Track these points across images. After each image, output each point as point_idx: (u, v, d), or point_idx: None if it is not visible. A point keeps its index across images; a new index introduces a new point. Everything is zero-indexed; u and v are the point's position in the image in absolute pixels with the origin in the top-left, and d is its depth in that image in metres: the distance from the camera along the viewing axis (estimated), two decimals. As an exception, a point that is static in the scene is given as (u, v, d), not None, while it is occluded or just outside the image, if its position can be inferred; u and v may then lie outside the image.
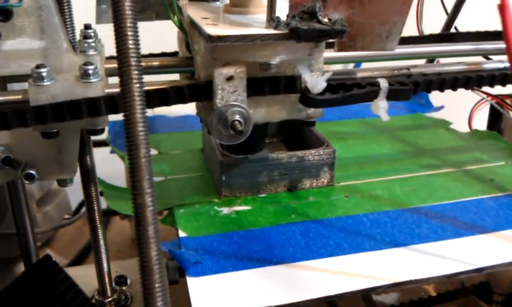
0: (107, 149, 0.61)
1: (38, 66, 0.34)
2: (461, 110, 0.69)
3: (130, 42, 0.28)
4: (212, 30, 0.35)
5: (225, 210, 0.47)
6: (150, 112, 0.69)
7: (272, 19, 0.35)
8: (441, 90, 0.41)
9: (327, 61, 0.41)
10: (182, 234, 0.44)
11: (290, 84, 0.39)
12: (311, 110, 0.41)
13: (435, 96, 0.78)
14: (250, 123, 0.37)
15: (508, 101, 0.65)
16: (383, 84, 0.39)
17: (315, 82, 0.38)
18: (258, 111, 0.40)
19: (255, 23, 0.37)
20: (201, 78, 0.38)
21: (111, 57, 0.39)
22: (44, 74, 0.34)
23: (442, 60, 0.49)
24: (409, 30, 0.53)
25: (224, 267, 0.40)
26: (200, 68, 0.38)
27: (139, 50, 0.28)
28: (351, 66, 0.59)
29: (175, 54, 0.47)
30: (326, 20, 0.36)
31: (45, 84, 0.34)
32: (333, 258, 0.41)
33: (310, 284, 0.38)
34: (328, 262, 0.40)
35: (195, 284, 0.38)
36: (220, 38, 0.34)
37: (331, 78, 0.39)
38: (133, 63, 0.28)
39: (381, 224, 0.45)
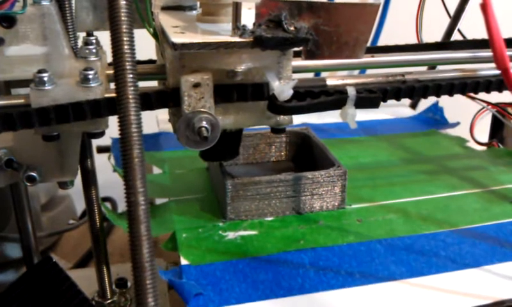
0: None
1: (40, 71, 0.35)
2: (465, 120, 0.69)
3: (126, 47, 0.29)
4: (178, 38, 0.35)
5: (230, 235, 0.45)
6: (155, 128, 0.69)
7: (237, 27, 0.35)
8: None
9: (326, 68, 0.42)
10: (183, 261, 0.42)
11: (257, 92, 0.39)
12: (280, 117, 0.41)
13: (447, 110, 0.78)
14: (218, 129, 0.37)
15: (510, 110, 0.65)
16: (351, 91, 0.39)
17: (282, 89, 0.38)
18: (227, 118, 0.40)
19: (223, 31, 0.37)
20: (170, 85, 0.38)
21: (111, 64, 0.40)
22: (45, 79, 0.35)
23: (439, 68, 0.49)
24: (409, 38, 0.53)
25: (227, 299, 0.38)
26: (168, 75, 0.38)
27: (134, 55, 0.29)
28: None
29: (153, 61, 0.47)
30: (292, 28, 0.36)
31: (47, 88, 0.35)
32: (344, 289, 0.39)
33: None
34: (339, 294, 0.38)
35: None
36: (184, 46, 0.34)
37: (300, 85, 0.39)
38: (128, 67, 0.29)
39: (396, 252, 0.43)
